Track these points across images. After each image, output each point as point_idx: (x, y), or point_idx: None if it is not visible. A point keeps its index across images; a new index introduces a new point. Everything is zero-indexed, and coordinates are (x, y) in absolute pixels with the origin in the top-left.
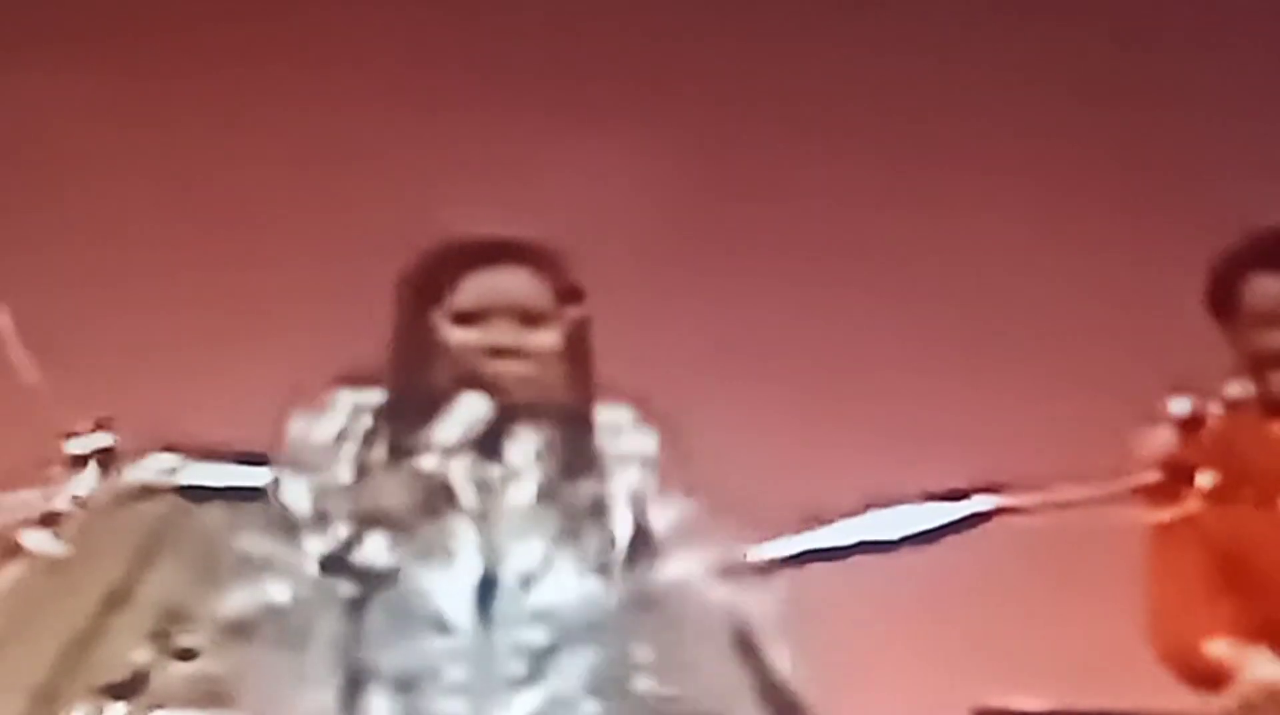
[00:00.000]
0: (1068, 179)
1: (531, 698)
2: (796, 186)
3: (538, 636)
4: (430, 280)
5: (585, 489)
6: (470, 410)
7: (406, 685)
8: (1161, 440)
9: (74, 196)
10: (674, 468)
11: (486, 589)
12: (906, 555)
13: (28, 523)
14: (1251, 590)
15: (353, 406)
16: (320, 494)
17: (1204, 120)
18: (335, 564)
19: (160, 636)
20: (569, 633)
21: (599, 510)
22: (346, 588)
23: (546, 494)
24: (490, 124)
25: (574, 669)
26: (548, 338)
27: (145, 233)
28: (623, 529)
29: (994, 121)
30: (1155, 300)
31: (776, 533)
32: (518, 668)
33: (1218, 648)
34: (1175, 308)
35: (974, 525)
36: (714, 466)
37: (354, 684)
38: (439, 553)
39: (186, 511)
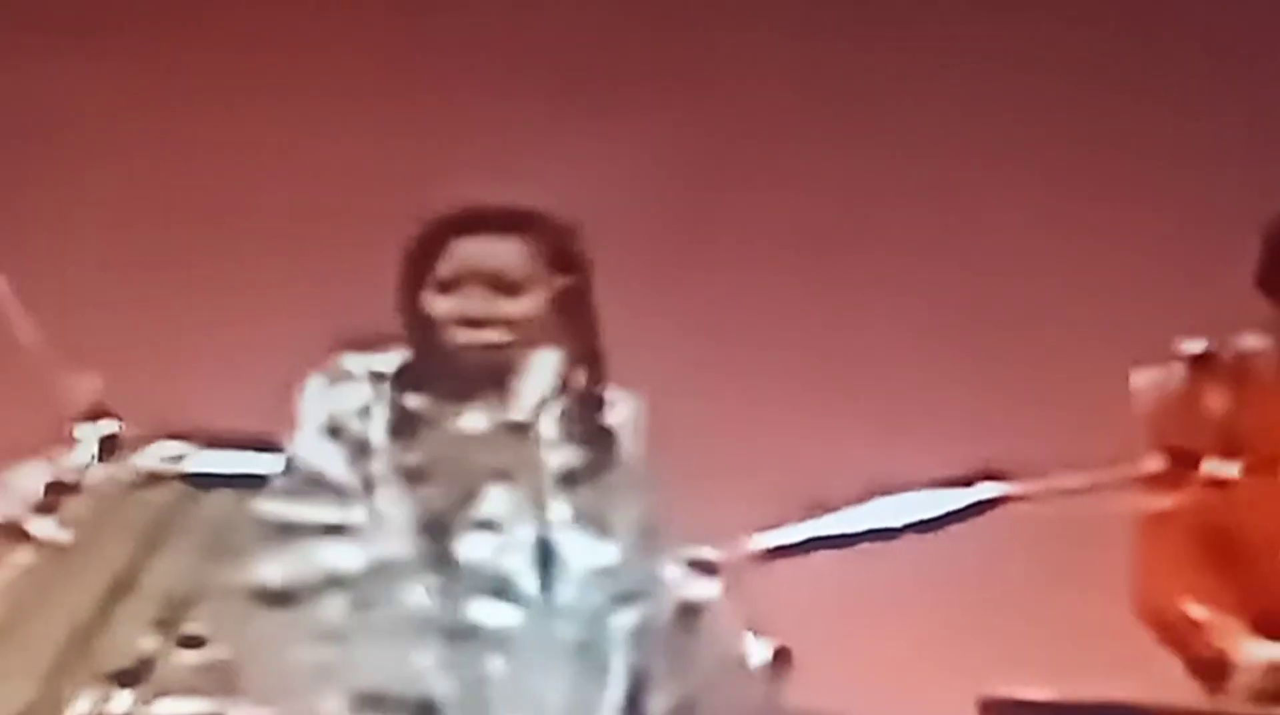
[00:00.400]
0: (1070, 167)
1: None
2: (799, 174)
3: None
4: (425, 250)
5: (603, 453)
6: (546, 366)
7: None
8: (1169, 378)
9: (79, 181)
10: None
11: (545, 554)
12: (911, 543)
13: (32, 508)
14: (1248, 572)
15: (367, 370)
16: (358, 455)
17: (1205, 111)
18: (435, 525)
19: (166, 624)
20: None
21: (619, 475)
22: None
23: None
24: (490, 109)
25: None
26: (524, 305)
27: (147, 218)
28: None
29: (993, 107)
30: (1162, 288)
31: (779, 521)
32: (573, 631)
33: (1197, 611)
34: (1181, 295)
35: (979, 513)
36: (716, 454)
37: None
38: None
39: (192, 498)
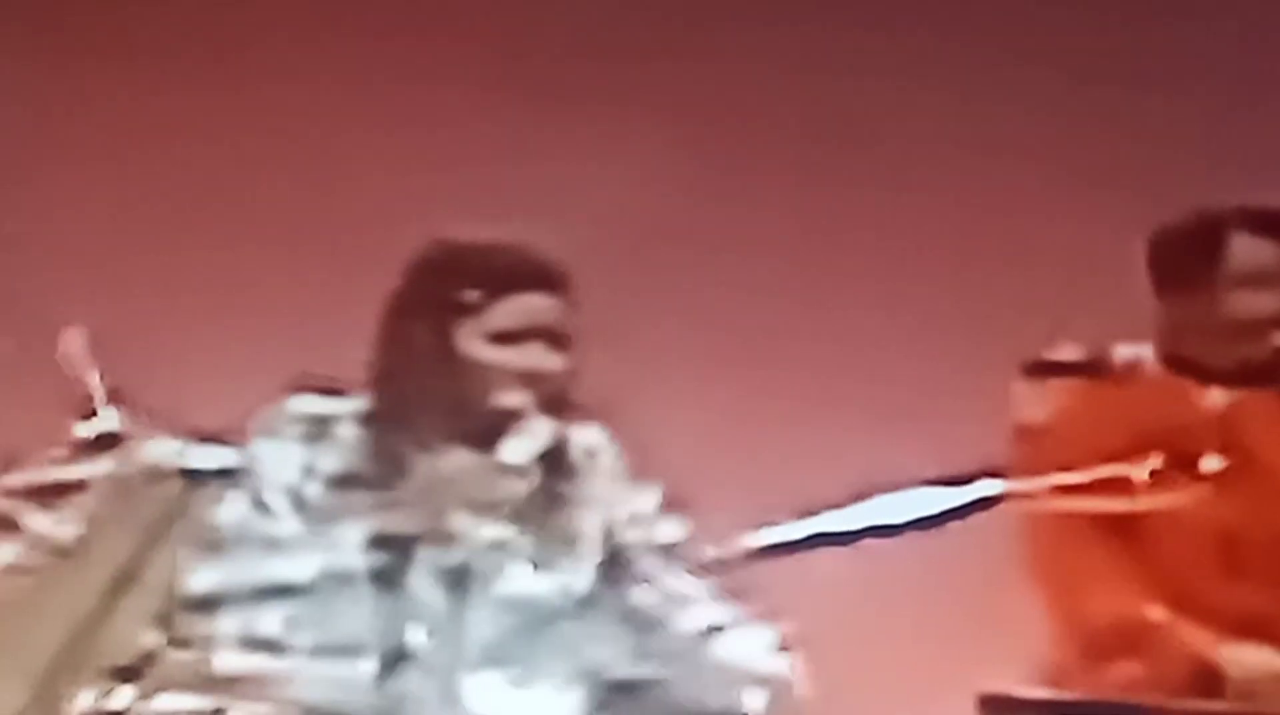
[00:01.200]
0: (1065, 157)
1: (500, 681)
2: (791, 172)
3: (514, 624)
4: (446, 289)
5: (560, 490)
6: (541, 433)
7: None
8: (1045, 390)
9: (79, 179)
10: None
11: (460, 576)
12: (912, 540)
13: (33, 502)
14: (1245, 576)
15: (312, 417)
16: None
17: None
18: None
19: (167, 620)
20: (542, 618)
21: (570, 511)
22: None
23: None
24: (485, 116)
25: (547, 654)
26: (567, 362)
27: (144, 219)
28: (592, 531)
29: (989, 103)
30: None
31: (780, 519)
32: (491, 653)
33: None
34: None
35: (979, 510)
36: (717, 453)
37: (389, 662)
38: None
39: (194, 494)
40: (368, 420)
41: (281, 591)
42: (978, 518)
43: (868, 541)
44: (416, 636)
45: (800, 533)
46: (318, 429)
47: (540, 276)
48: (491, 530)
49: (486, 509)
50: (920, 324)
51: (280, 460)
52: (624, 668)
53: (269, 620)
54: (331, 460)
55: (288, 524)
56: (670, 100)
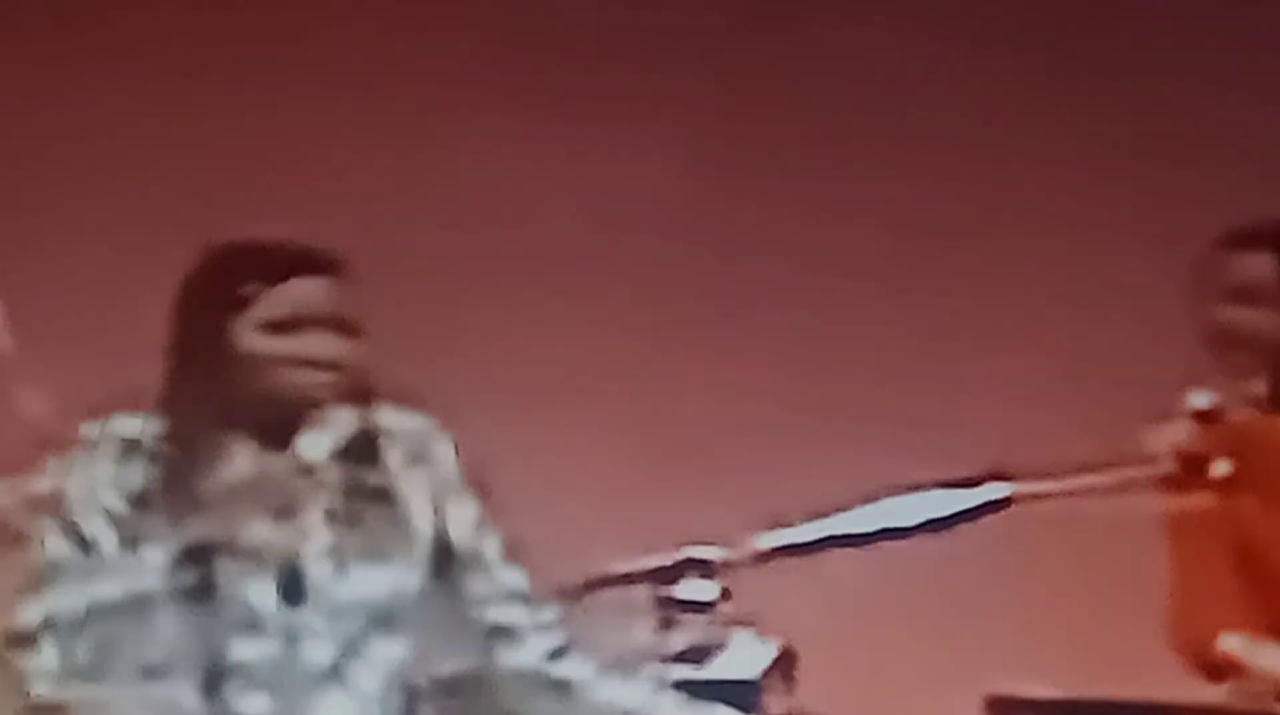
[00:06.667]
0: (1080, 164)
1: (339, 692)
2: (799, 173)
3: (346, 628)
4: (223, 285)
5: (374, 483)
6: (341, 426)
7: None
8: (1176, 434)
9: (78, 182)
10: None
11: (293, 583)
12: (921, 543)
13: (25, 508)
14: (1266, 587)
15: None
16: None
17: (1222, 103)
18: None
19: None
20: (376, 623)
21: (390, 506)
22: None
23: (343, 490)
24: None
25: (382, 661)
26: (355, 348)
27: (149, 213)
28: (422, 527)
29: (1003, 106)
30: (1171, 286)
31: (789, 521)
32: (325, 660)
33: (1231, 642)
34: (1182, 293)
35: (989, 513)
36: (726, 453)
37: (212, 679)
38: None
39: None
40: (160, 433)
41: (99, 616)
42: (988, 520)
43: (878, 543)
44: (245, 651)
45: (811, 535)
46: (127, 447)
47: (312, 263)
48: (304, 531)
49: (286, 511)
50: (932, 326)
51: (95, 482)
52: (448, 665)
53: (84, 647)
54: (135, 478)
55: (106, 548)
56: (672, 100)
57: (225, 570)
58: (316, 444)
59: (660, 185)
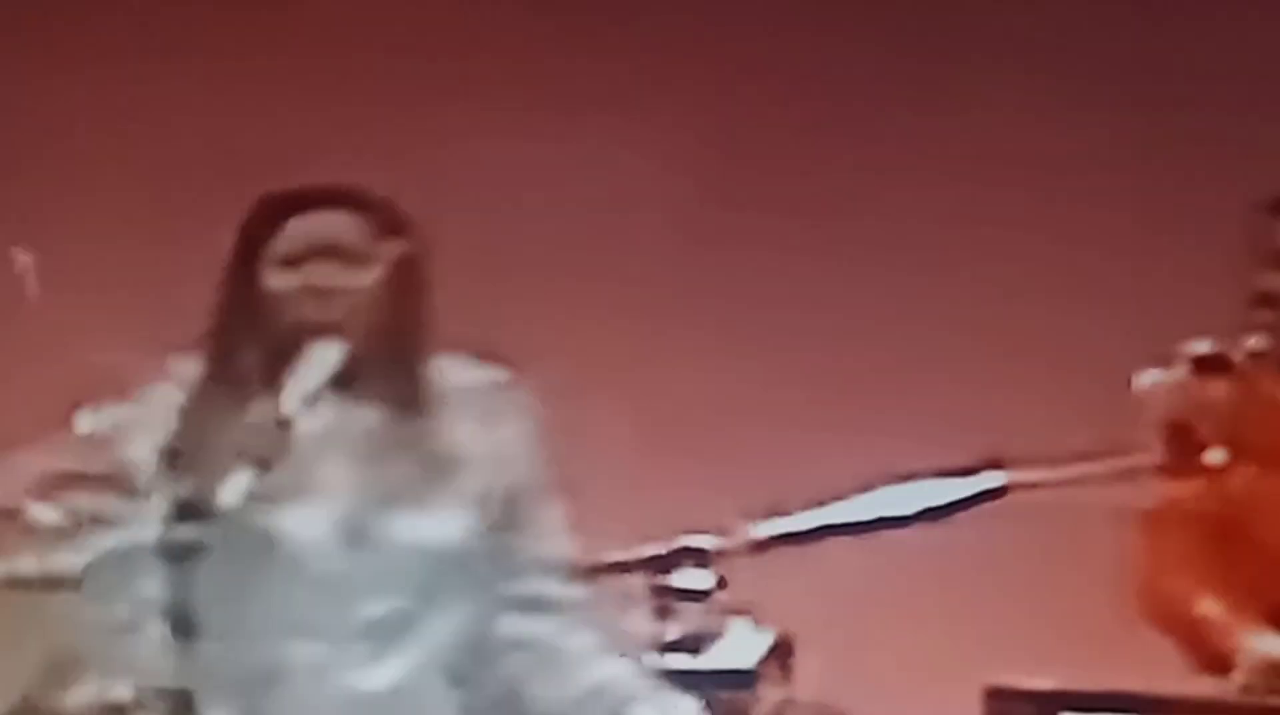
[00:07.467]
0: (1078, 161)
1: (394, 650)
2: (804, 166)
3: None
4: (256, 231)
5: (421, 429)
6: (324, 357)
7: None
8: (1170, 383)
9: (81, 169)
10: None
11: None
12: (919, 532)
13: (30, 491)
14: (1253, 563)
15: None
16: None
17: (1219, 85)
18: (183, 511)
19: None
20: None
21: (433, 455)
22: (183, 534)
23: (379, 433)
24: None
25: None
26: (366, 277)
27: (150, 202)
28: (472, 481)
29: (1002, 103)
30: (1166, 276)
31: (787, 509)
32: (378, 612)
33: (1208, 606)
34: (1188, 284)
35: (986, 501)
36: (726, 442)
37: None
38: (292, 494)
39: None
40: (196, 384)
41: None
42: (984, 509)
43: (875, 532)
44: (293, 595)
45: (808, 524)
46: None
47: (329, 197)
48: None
49: (259, 462)
50: (928, 316)
51: (149, 427)
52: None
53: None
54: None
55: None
56: (674, 100)
57: (265, 516)
58: (291, 392)
59: (657, 176)
